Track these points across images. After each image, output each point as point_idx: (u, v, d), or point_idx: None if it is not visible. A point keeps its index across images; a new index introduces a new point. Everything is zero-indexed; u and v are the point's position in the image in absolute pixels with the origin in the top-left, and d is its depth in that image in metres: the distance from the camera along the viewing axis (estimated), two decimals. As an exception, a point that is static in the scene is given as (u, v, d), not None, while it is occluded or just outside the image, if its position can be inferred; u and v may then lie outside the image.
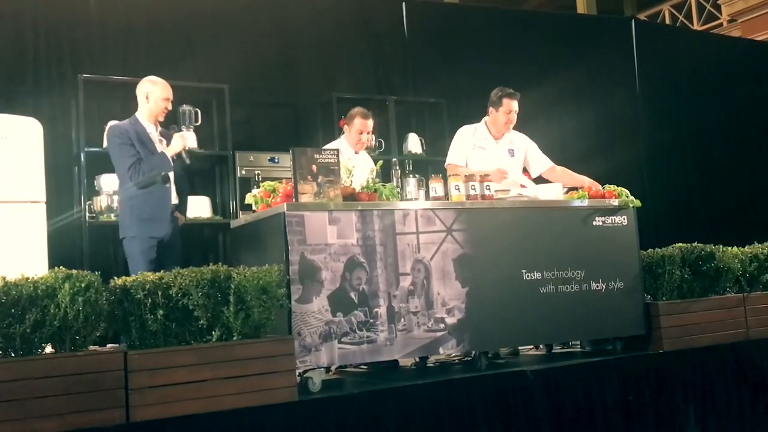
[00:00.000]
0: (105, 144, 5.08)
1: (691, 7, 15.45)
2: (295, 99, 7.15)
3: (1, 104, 5.47)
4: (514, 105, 5.47)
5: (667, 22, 15.52)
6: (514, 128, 5.61)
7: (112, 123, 5.11)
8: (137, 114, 4.99)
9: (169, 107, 5.05)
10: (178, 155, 4.91)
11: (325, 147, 5.64)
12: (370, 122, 5.58)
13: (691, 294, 4.95)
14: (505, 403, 4.01)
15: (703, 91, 9.34)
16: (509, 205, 4.62)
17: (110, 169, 5.88)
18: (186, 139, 5.01)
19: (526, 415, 4.05)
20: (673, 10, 15.72)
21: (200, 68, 6.65)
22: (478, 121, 5.61)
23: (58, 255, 4.99)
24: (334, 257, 3.94)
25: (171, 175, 4.93)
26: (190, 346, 3.36)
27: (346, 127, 5.56)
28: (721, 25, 14.72)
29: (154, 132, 4.97)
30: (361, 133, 5.52)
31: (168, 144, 4.93)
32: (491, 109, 5.53)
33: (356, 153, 5.54)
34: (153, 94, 4.97)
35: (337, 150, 4.13)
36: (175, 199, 5.00)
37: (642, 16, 15.20)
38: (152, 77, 5.04)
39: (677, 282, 4.89)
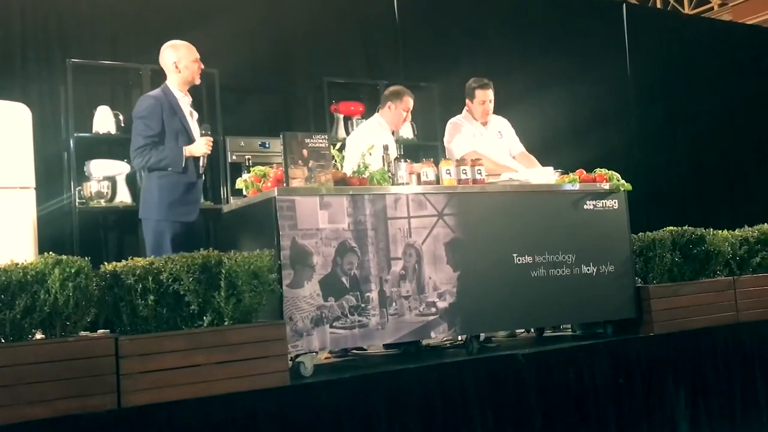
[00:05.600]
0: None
1: (682, -9, 15.45)
2: (286, 83, 7.11)
3: (-12, 89, 5.43)
4: (489, 94, 5.66)
5: (659, 6, 15.51)
6: (498, 113, 5.81)
7: (144, 95, 4.79)
8: (167, 83, 4.73)
9: (202, 66, 4.77)
10: (195, 158, 4.65)
11: (362, 125, 5.76)
12: (412, 101, 5.59)
13: (682, 277, 4.97)
14: (496, 387, 4.02)
15: (694, 74, 9.34)
16: (500, 189, 4.61)
17: (99, 155, 5.90)
18: (209, 148, 4.68)
19: (518, 398, 4.06)
20: (665, -6, 15.71)
21: (191, 53, 6.60)
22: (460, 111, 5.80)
23: (47, 241, 4.96)
24: (325, 242, 3.93)
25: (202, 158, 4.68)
26: (181, 332, 3.36)
27: (390, 103, 5.50)
28: (712, 8, 14.74)
29: (186, 103, 4.74)
30: (408, 110, 5.53)
31: (197, 122, 4.75)
32: (467, 101, 5.73)
33: (392, 132, 5.57)
34: (183, 60, 4.68)
35: (327, 136, 4.11)
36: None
37: (633, 0, 15.17)
38: (173, 42, 4.77)
39: (668, 265, 4.91)
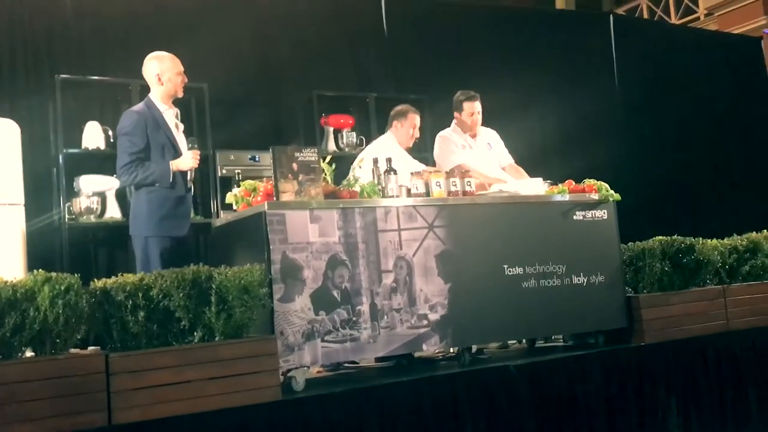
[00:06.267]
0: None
1: (668, 1, 15.56)
2: (276, 97, 7.11)
3: (-23, 106, 5.41)
4: (476, 106, 5.72)
5: (645, 16, 15.62)
6: (487, 125, 5.87)
7: (127, 110, 4.69)
8: (151, 96, 4.62)
9: (186, 79, 4.67)
10: (183, 172, 4.57)
11: (375, 141, 5.78)
12: (419, 117, 5.67)
13: (672, 286, 4.98)
14: (488, 399, 4.02)
15: (682, 84, 9.39)
16: (490, 200, 4.63)
17: (89, 170, 5.88)
18: (197, 162, 4.60)
19: (510, 409, 4.06)
20: (651, 4, 15.81)
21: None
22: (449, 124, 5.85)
23: (37, 257, 4.95)
24: (316, 255, 3.93)
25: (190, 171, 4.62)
26: (172, 348, 3.35)
27: (395, 123, 5.59)
28: (698, 18, 14.83)
29: (171, 116, 4.63)
30: (414, 127, 5.61)
31: (183, 134, 4.69)
32: (456, 114, 5.78)
33: (404, 148, 5.62)
34: (165, 73, 4.57)
35: (316, 149, 4.11)
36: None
37: (620, 11, 15.28)
38: (156, 53, 4.66)
39: (658, 275, 4.92)
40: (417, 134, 5.68)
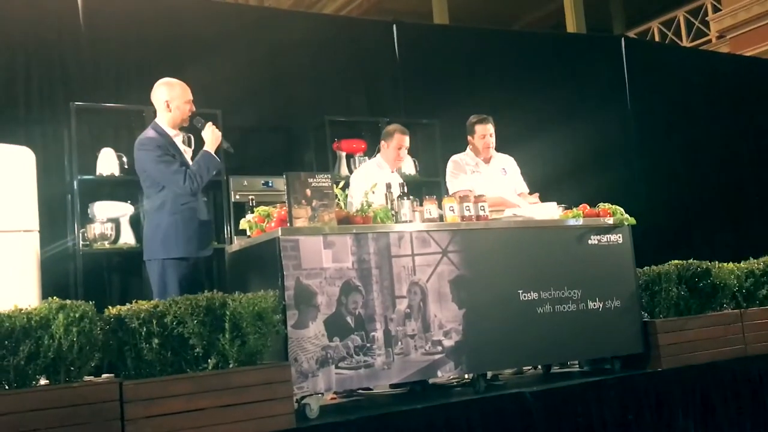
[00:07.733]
0: (136, 156, 4.57)
1: (680, 24, 15.60)
2: (288, 122, 7.15)
3: (-8, 133, 5.45)
4: (489, 128, 5.69)
5: (657, 39, 15.65)
6: (500, 150, 5.84)
7: (141, 136, 4.62)
8: (158, 121, 4.60)
9: (193, 108, 4.65)
10: (220, 147, 4.55)
11: (364, 164, 5.85)
12: (408, 138, 5.60)
13: (688, 311, 4.94)
14: (504, 426, 3.98)
15: (695, 106, 9.38)
16: (504, 225, 4.61)
17: (103, 197, 5.90)
18: (217, 131, 4.61)
19: (526, 436, 4.02)
20: (662, 27, 15.86)
21: (192, 94, 6.61)
22: (464, 149, 5.81)
23: (51, 284, 4.95)
24: (329, 281, 3.92)
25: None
26: (186, 375, 3.34)
27: (382, 142, 5.57)
28: (710, 41, 14.85)
29: (179, 140, 4.65)
30: (400, 148, 5.55)
31: (192, 148, 4.67)
32: (469, 137, 5.76)
33: (392, 171, 5.59)
34: (174, 100, 4.57)
35: (329, 175, 4.11)
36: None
37: (631, 34, 15.31)
38: (167, 79, 4.66)
39: (674, 299, 4.89)
40: (403, 155, 5.62)
